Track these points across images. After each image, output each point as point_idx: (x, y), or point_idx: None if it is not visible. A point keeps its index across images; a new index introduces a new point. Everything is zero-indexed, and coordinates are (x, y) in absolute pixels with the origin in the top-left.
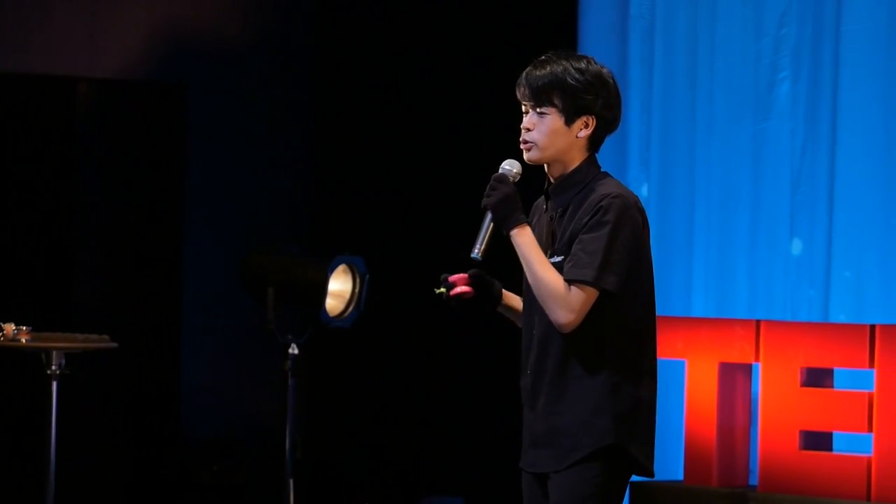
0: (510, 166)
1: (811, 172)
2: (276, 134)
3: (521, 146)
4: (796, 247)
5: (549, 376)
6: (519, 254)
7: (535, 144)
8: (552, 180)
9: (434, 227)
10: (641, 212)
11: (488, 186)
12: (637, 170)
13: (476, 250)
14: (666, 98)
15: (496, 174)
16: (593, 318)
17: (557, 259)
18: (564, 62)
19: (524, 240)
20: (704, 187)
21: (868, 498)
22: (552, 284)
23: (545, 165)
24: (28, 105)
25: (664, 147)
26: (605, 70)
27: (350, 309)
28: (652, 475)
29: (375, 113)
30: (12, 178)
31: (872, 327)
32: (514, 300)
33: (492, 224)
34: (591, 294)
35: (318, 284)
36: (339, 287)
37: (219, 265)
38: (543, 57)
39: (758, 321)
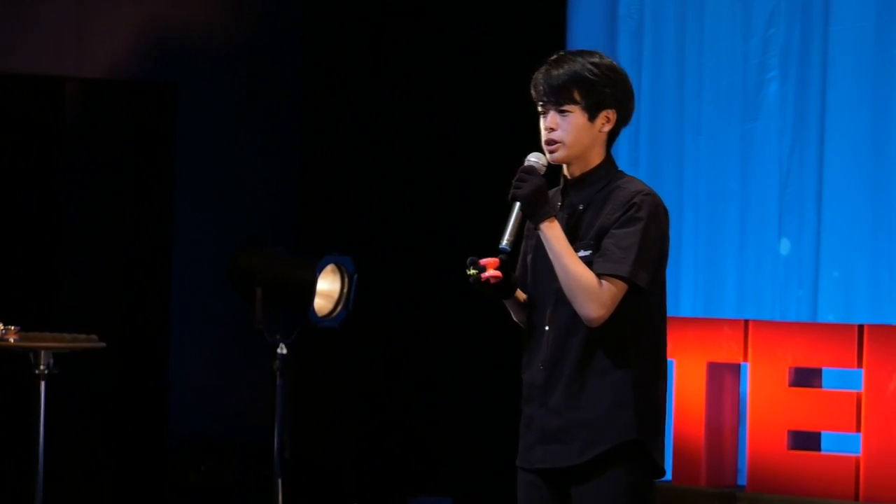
0: (537, 158)
1: (799, 172)
2: (265, 134)
3: (545, 147)
4: (784, 247)
5: (568, 371)
6: (548, 247)
7: (563, 144)
8: (569, 177)
9: (423, 227)
10: (666, 212)
11: (516, 178)
12: (625, 169)
13: (505, 241)
14: (654, 98)
15: (524, 166)
16: (618, 313)
17: (585, 253)
18: (578, 58)
19: (554, 233)
20: (693, 187)
21: (856, 498)
22: (584, 279)
23: (563, 165)
24: (16, 105)
25: (653, 146)
26: (616, 64)
27: (339, 309)
28: (664, 474)
29: (363, 113)
30: (0, 177)
31: (861, 327)
32: (521, 295)
33: (519, 215)
34: (622, 289)
35: (307, 284)
36: (328, 287)
37: (207, 265)
38: (556, 56)
39: (746, 321)
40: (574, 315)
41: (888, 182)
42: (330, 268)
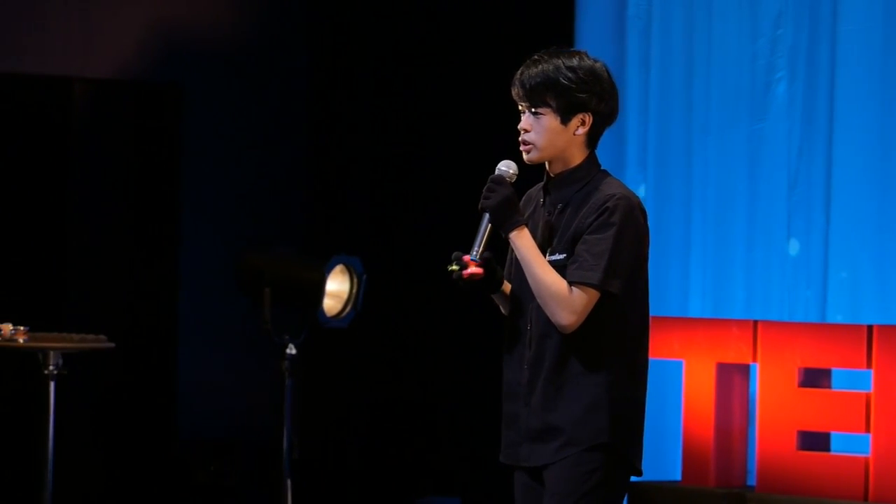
0: (507, 167)
1: (808, 173)
2: (272, 134)
3: (521, 148)
4: (793, 247)
5: (546, 373)
6: (518, 255)
7: (534, 146)
8: (552, 175)
9: (431, 227)
10: (643, 213)
11: (486, 188)
12: (634, 170)
13: (474, 252)
14: (663, 99)
15: (493, 175)
16: (593, 317)
17: (559, 256)
18: (556, 60)
19: (523, 242)
20: (701, 188)
21: (865, 498)
22: (554, 286)
23: (546, 162)
24: (23, 106)
25: (661, 148)
26: (597, 64)
27: (347, 309)
28: (640, 474)
29: (370, 113)
30: (7, 178)
31: (870, 328)
32: (509, 288)
33: (489, 226)
34: (594, 296)
35: (316, 284)
36: (337, 287)
37: (215, 265)
38: (535, 56)
39: (755, 321)
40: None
41: None
42: (339, 268)
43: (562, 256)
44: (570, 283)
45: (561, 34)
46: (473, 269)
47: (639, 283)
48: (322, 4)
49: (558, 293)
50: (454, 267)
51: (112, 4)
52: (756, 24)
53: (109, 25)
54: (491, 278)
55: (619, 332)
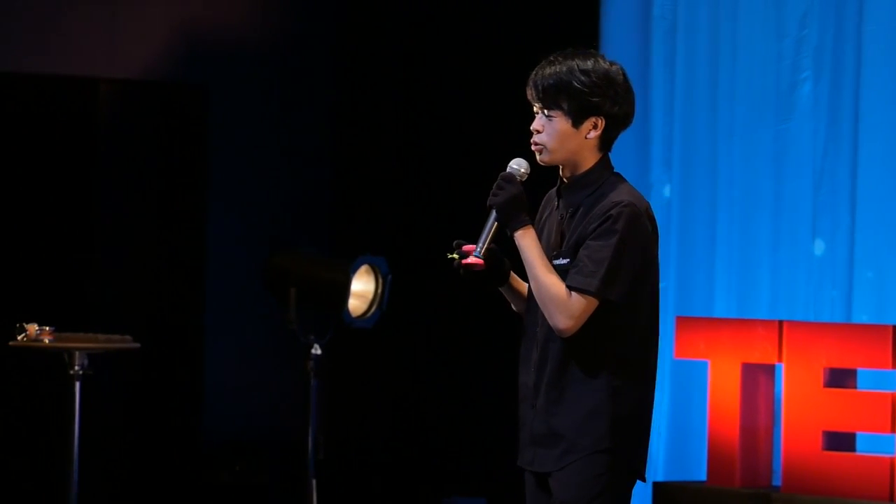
0: (518, 165)
1: (833, 173)
2: (298, 134)
3: (532, 148)
4: (819, 247)
5: (549, 376)
6: (522, 256)
7: (545, 147)
8: (565, 180)
9: (456, 228)
10: (651, 219)
11: (495, 185)
12: (659, 170)
13: (478, 249)
14: (688, 99)
15: (504, 173)
16: (595, 323)
17: (564, 261)
18: (570, 62)
19: (527, 242)
20: (726, 188)
21: (891, 498)
22: (553, 289)
23: (559, 166)
24: (49, 106)
25: (686, 148)
26: (613, 67)
27: (373, 309)
28: (644, 479)
29: (396, 113)
30: (34, 179)
31: (895, 328)
32: (519, 284)
33: (496, 223)
34: (592, 303)
35: (341, 285)
36: (362, 287)
37: (241, 265)
38: (551, 57)
39: (780, 321)
40: None
41: None
42: (364, 268)
43: (566, 261)
44: (569, 288)
45: (586, 34)
46: (471, 260)
47: (645, 290)
48: (347, 4)
49: (556, 296)
50: (454, 255)
51: (137, 5)
52: (781, 24)
53: (135, 26)
54: (498, 270)
55: (623, 337)
